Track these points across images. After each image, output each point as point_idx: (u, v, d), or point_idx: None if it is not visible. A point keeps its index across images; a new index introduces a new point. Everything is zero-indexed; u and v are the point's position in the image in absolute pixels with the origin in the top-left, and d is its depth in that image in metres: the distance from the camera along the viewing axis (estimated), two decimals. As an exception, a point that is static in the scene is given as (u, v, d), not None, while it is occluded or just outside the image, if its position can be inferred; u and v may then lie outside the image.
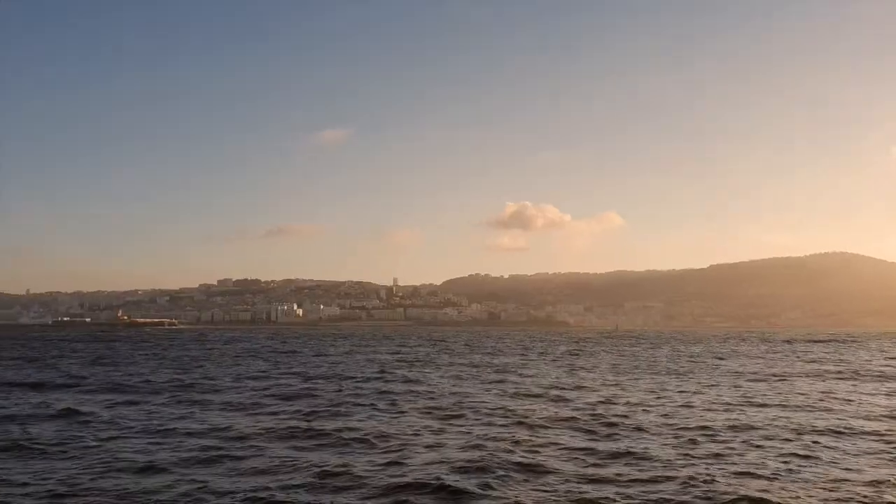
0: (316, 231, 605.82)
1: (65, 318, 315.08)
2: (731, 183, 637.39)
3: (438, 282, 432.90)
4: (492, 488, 12.66)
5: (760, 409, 23.09)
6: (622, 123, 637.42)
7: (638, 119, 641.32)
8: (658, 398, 26.16)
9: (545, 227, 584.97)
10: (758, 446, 16.50)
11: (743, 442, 17.06)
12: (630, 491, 12.48)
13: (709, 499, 11.98)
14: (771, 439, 17.34)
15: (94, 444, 16.92)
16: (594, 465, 14.66)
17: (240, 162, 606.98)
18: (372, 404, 24.15)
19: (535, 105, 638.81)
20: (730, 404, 24.15)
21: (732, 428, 18.92)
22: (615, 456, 15.41)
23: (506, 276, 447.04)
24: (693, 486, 12.74)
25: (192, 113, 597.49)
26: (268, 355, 58.55)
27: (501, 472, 13.77)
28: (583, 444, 16.73)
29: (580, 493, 12.43)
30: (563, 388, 30.02)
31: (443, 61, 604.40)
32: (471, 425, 19.61)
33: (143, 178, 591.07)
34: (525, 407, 23.30)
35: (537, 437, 17.77)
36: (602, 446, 16.50)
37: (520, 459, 14.88)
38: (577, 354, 61.49)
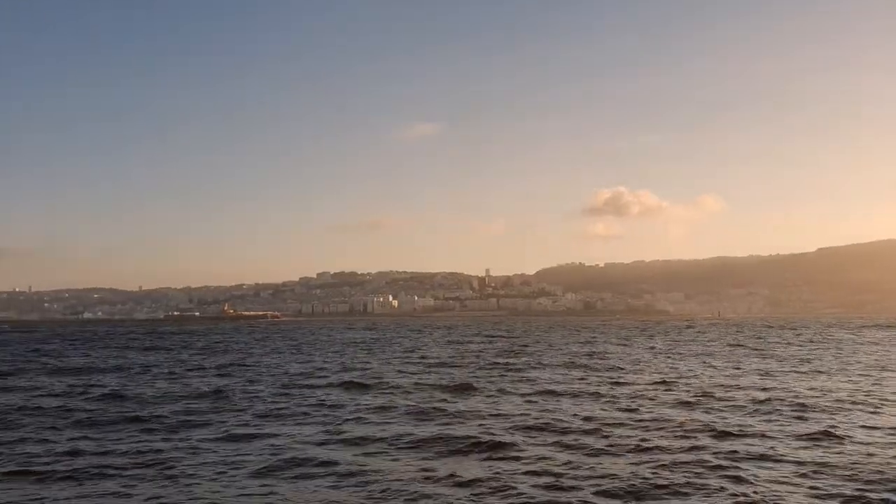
0: (409, 223, 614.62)
1: (175, 313, 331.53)
2: (838, 163, 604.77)
3: (531, 271, 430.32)
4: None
5: None
6: (720, 105, 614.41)
7: (738, 100, 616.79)
8: None
9: (641, 214, 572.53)
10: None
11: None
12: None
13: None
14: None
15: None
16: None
17: (337, 157, 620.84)
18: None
19: (629, 89, 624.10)
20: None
21: None
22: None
23: (601, 265, 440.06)
24: None
25: (291, 109, 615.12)
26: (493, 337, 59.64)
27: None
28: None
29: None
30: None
31: (533, 47, 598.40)
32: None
33: (247, 176, 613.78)
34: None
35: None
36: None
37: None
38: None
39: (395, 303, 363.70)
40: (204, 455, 14.36)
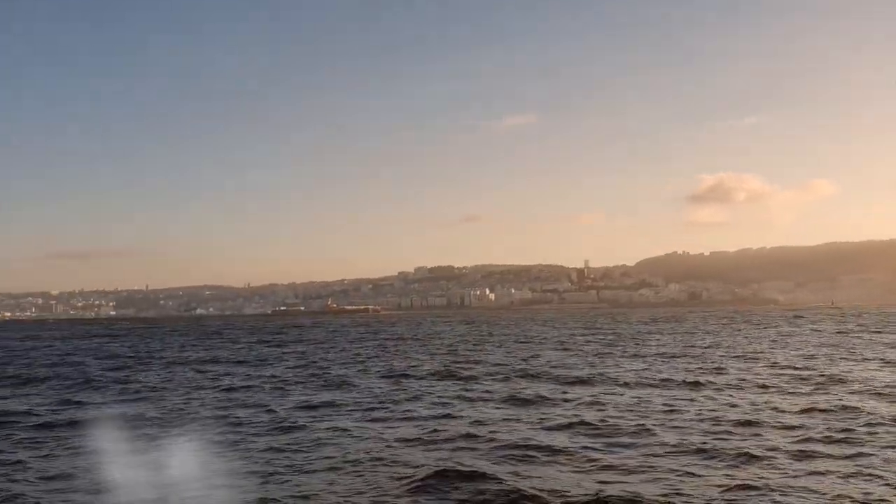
0: (505, 216, 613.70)
1: (282, 308, 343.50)
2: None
3: (632, 262, 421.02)
4: None
5: None
6: (828, 84, 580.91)
7: (848, 78, 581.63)
8: None
9: (747, 200, 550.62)
10: None
11: None
12: None
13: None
14: None
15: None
16: None
17: (433, 152, 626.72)
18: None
19: (731, 70, 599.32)
20: None
21: None
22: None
23: (706, 254, 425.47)
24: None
25: (387, 106, 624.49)
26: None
27: None
28: None
29: None
30: None
31: (625, 33, 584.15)
32: None
33: (347, 176, 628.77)
34: None
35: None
36: None
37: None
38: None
39: (492, 296, 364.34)
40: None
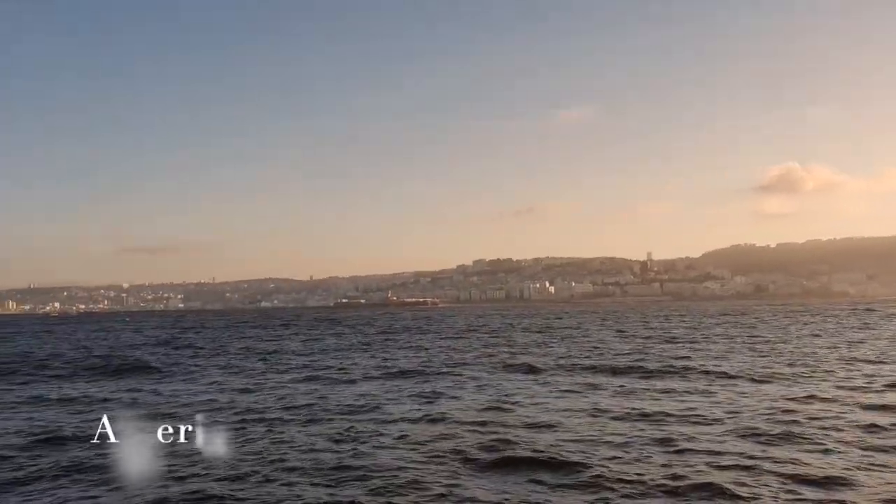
0: (565, 209, 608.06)
1: (343, 300, 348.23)
2: None
3: (696, 254, 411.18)
4: None
5: None
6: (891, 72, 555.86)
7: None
8: None
9: (815, 190, 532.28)
10: None
11: None
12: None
13: None
14: None
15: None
16: None
17: (491, 145, 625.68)
18: None
19: (798, 58, 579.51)
20: None
21: None
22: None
23: (772, 246, 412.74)
24: None
25: (444, 99, 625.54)
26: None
27: None
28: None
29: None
30: None
31: (687, 24, 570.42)
32: None
33: (404, 169, 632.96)
34: None
35: None
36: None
37: None
38: None
39: (552, 289, 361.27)
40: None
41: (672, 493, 11.41)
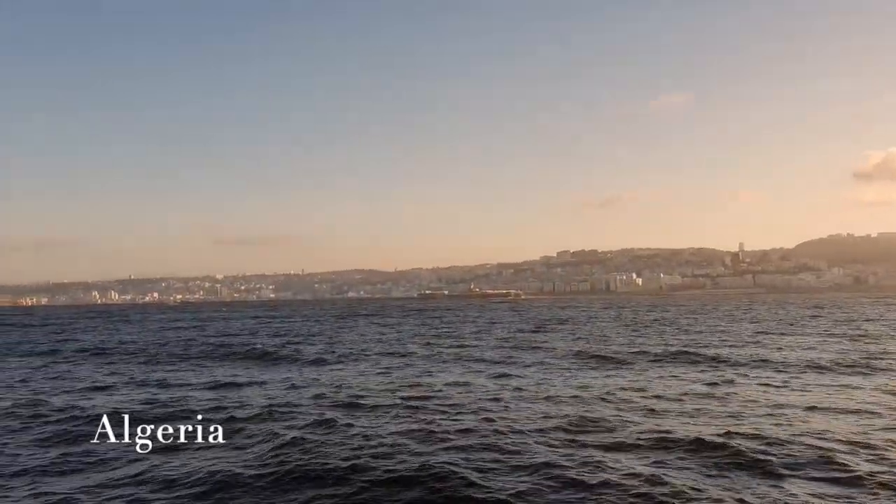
0: (654, 198, 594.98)
1: (427, 291, 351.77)
2: None
3: (791, 245, 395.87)
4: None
5: None
6: None
7: None
8: None
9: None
10: None
11: None
12: None
13: None
14: None
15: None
16: None
17: (576, 133, 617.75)
18: None
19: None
20: None
21: None
22: None
23: (873, 235, 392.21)
24: None
25: (530, 87, 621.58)
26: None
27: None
28: None
29: None
30: None
31: (788, 8, 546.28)
32: None
33: (485, 161, 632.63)
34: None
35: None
36: None
37: None
38: None
39: (639, 281, 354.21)
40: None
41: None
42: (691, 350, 32.78)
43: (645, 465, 12.41)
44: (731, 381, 22.37)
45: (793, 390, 20.69)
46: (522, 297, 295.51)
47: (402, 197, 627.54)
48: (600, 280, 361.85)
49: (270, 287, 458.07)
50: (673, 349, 33.34)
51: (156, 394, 21.59)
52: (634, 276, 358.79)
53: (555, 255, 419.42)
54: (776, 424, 15.62)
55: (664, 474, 11.72)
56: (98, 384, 24.39)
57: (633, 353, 32.25)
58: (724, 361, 28.24)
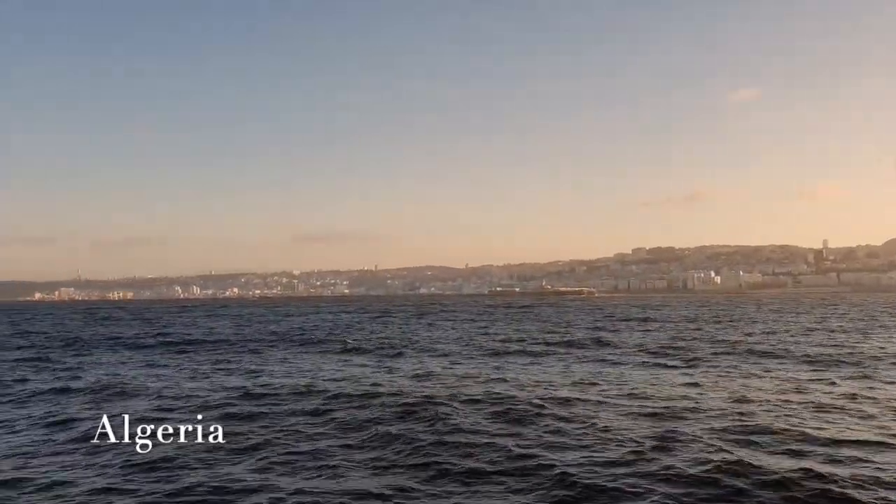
0: (732, 195, 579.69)
1: (498, 289, 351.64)
2: None
3: (879, 241, 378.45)
4: None
5: None
6: None
7: None
8: None
9: None
10: None
11: None
12: None
13: None
14: None
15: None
16: None
17: (652, 128, 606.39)
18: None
19: None
20: None
21: None
22: None
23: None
24: None
25: (601, 81, 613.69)
26: None
27: None
28: None
29: None
30: None
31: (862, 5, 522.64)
32: None
33: (558, 155, 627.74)
34: None
35: None
36: None
37: None
38: None
39: (718, 279, 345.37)
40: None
41: None
42: None
43: None
44: None
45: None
46: (596, 295, 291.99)
47: (473, 193, 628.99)
48: (677, 278, 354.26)
49: (344, 283, 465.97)
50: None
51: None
52: (713, 274, 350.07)
53: (630, 252, 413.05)
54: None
55: None
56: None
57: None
58: None
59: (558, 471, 11.88)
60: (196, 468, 12.50)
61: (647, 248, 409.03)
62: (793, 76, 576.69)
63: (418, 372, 25.54)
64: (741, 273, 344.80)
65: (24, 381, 24.62)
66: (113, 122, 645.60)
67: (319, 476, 12.11)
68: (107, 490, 11.40)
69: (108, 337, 49.19)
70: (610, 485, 11.22)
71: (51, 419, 17.36)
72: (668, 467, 12.00)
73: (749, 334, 44.55)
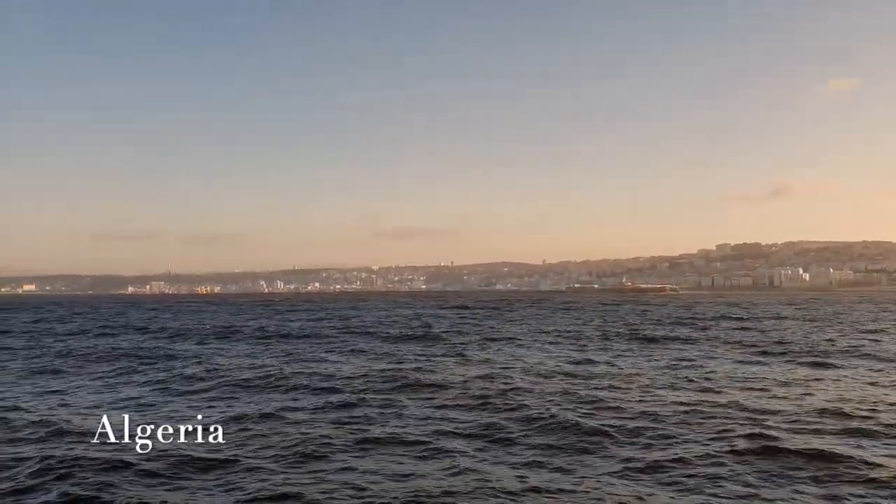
0: (823, 189, 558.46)
1: (576, 285, 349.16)
2: None
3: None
4: None
5: None
6: None
7: None
8: None
9: None
10: None
11: None
12: None
13: None
14: None
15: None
16: None
17: (739, 119, 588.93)
18: None
19: None
20: None
21: None
22: None
23: None
24: None
25: (682, 70, 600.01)
26: None
27: None
28: None
29: None
30: None
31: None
32: None
33: (638, 146, 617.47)
34: None
35: None
36: None
37: None
38: None
39: (806, 276, 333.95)
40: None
41: None
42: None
43: None
44: None
45: None
46: (679, 292, 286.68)
47: (552, 189, 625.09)
48: (763, 275, 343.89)
49: (422, 278, 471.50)
50: None
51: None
52: (801, 271, 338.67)
53: (714, 248, 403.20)
54: None
55: None
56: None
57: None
58: None
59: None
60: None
61: (732, 245, 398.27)
62: (882, 68, 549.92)
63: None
64: (831, 270, 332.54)
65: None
66: (210, 123, 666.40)
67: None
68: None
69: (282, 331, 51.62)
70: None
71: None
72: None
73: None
